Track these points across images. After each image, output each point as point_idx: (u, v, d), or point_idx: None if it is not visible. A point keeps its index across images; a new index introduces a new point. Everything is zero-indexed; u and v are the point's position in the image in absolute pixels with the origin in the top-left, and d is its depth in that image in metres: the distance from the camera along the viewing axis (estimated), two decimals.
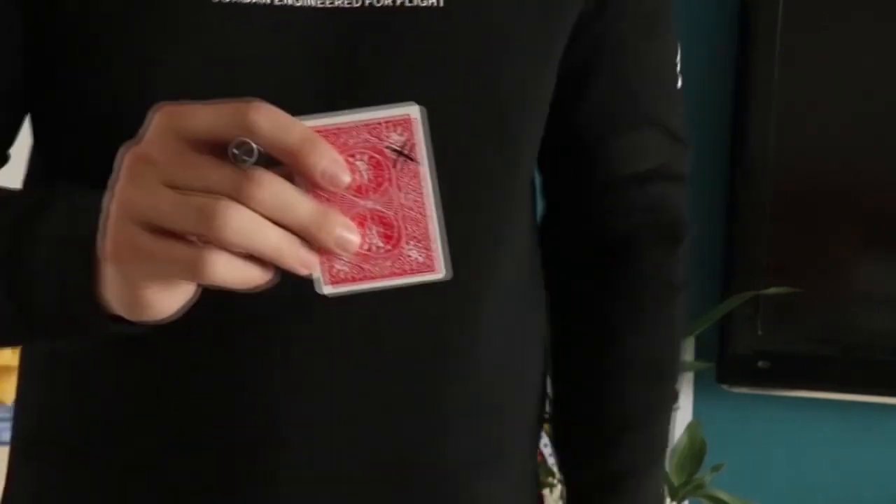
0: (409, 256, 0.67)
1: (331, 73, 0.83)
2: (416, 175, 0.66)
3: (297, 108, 0.81)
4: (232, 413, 0.86)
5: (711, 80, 2.05)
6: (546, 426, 1.11)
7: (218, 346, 0.85)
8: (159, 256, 0.64)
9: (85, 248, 0.71)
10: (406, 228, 0.67)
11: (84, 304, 0.73)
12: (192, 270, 0.64)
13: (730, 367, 2.04)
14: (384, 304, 0.83)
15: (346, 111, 0.65)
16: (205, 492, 0.88)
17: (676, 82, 1.04)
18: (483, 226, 0.91)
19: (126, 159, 0.65)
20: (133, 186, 0.64)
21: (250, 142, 0.63)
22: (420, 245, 0.67)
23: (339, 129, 0.65)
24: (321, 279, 0.67)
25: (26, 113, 0.88)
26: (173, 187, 0.63)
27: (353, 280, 0.67)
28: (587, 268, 1.05)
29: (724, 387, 2.06)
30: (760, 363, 2.02)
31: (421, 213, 0.67)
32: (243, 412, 0.86)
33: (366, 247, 0.66)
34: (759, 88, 1.97)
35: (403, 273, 0.68)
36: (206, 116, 0.63)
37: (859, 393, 2.06)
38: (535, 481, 1.03)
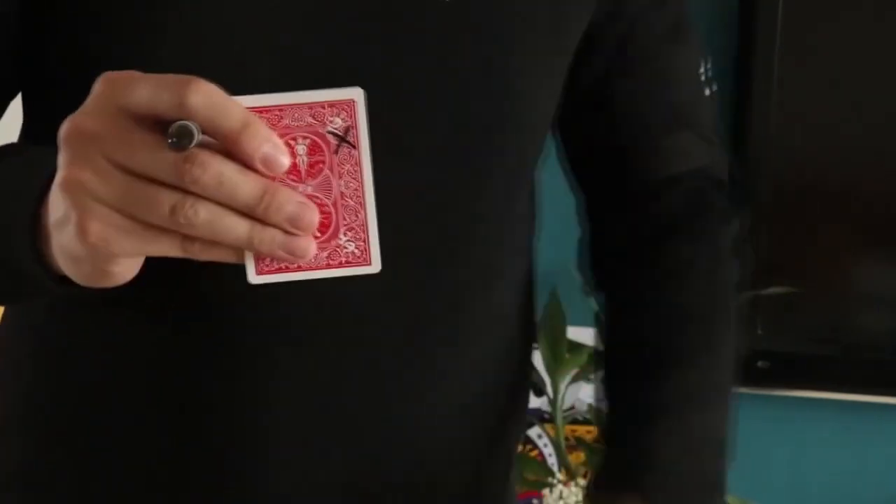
0: (345, 248, 0.66)
1: (338, 57, 0.83)
2: (357, 162, 0.65)
3: (300, 88, 0.80)
4: (223, 419, 0.86)
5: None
6: (548, 427, 1.11)
7: (212, 352, 0.85)
8: (148, 238, 0.64)
9: (31, 209, 0.70)
10: (344, 218, 0.66)
11: (31, 265, 0.72)
12: (181, 249, 0.64)
13: None
14: (374, 309, 0.83)
15: (289, 93, 0.64)
16: (190, 492, 0.87)
17: (706, 89, 1.03)
18: (483, 220, 0.90)
19: (65, 132, 0.64)
20: (81, 166, 0.64)
21: (191, 125, 0.61)
22: (357, 237, 0.66)
23: (280, 109, 0.64)
24: (250, 268, 0.65)
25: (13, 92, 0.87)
26: (116, 165, 0.62)
27: (284, 270, 0.66)
28: (632, 249, 1.03)
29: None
30: (760, 363, 2.02)
31: (359, 203, 0.65)
32: (236, 418, 0.86)
33: None
34: (759, 88, 1.97)
35: (338, 265, 0.66)
36: (145, 92, 0.62)
37: (859, 393, 2.05)
38: (513, 487, 1.03)
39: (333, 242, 0.66)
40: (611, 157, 1.02)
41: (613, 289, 1.04)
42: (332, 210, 0.65)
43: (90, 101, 0.64)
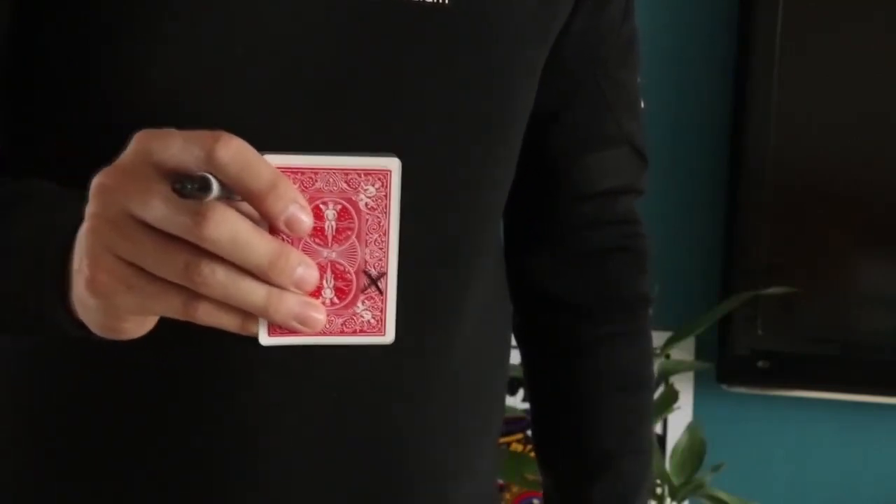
0: (361, 317, 0.65)
1: (331, 64, 0.83)
2: (385, 233, 0.64)
3: (297, 97, 0.80)
4: (207, 427, 0.86)
5: (711, 80, 2.05)
6: None
7: (212, 362, 0.85)
8: (151, 295, 0.63)
9: (59, 254, 0.70)
10: (364, 278, 0.65)
11: (56, 310, 0.71)
12: (183, 312, 0.63)
13: (730, 367, 2.04)
14: None
15: (325, 155, 0.63)
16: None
17: (641, 102, 1.06)
18: (467, 229, 0.91)
19: (95, 187, 0.64)
20: (101, 217, 0.63)
21: (208, 177, 0.60)
22: (374, 306, 0.65)
23: (315, 171, 0.63)
24: (262, 329, 0.64)
25: None
26: (134, 217, 0.62)
27: (297, 333, 0.64)
28: (559, 288, 1.06)
29: (724, 387, 2.06)
30: (760, 363, 2.02)
31: (382, 273, 0.65)
32: (219, 425, 0.86)
33: (319, 300, 0.64)
34: (759, 88, 1.97)
35: (352, 333, 0.66)
36: (175, 149, 0.61)
37: (859, 393, 2.05)
38: (497, 488, 1.06)
39: (350, 310, 0.65)
40: (545, 173, 1.03)
41: (534, 331, 1.09)
42: (354, 278, 0.65)
43: (123, 156, 0.64)
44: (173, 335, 0.81)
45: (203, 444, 0.86)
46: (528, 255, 1.06)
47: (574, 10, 0.94)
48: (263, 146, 0.63)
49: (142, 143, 0.63)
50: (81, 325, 0.70)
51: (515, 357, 1.07)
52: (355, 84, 0.83)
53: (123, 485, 0.87)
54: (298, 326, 0.63)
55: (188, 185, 0.60)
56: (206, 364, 0.85)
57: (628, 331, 1.07)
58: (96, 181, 0.64)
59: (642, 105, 1.06)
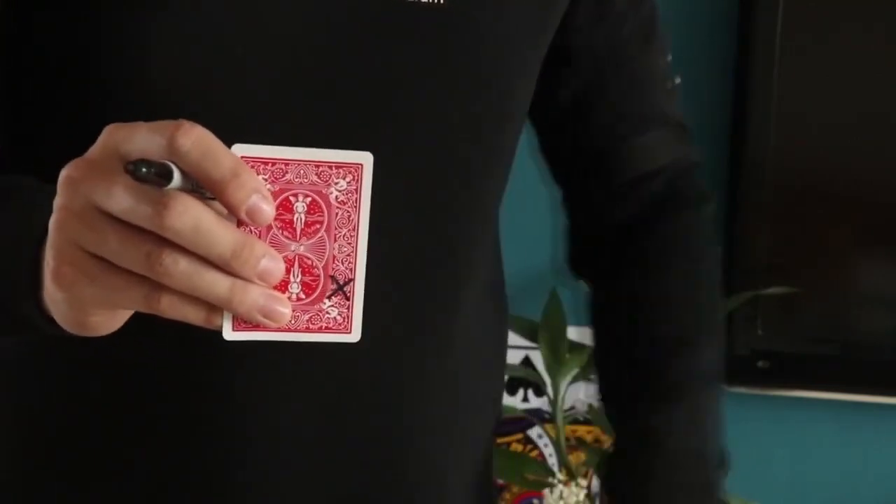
0: (328, 314, 0.65)
1: (331, 64, 0.83)
2: (354, 228, 0.63)
3: (296, 97, 0.80)
4: (205, 428, 0.86)
5: (711, 80, 2.05)
6: (549, 427, 1.13)
7: (208, 362, 0.85)
8: (113, 287, 0.62)
9: (32, 249, 0.69)
10: (331, 283, 0.64)
11: (26, 305, 0.71)
12: (145, 304, 0.62)
13: (730, 367, 2.03)
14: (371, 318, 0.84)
15: (297, 148, 0.62)
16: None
17: (674, 78, 1.06)
18: (464, 228, 0.91)
19: (62, 179, 0.64)
20: (66, 209, 0.63)
21: (168, 163, 0.59)
22: (341, 303, 0.65)
23: (286, 163, 0.62)
24: (227, 323, 0.63)
25: None
26: (98, 208, 0.62)
27: (262, 329, 0.63)
28: (618, 239, 1.06)
29: (724, 387, 2.06)
30: (760, 363, 2.02)
31: (350, 269, 0.64)
32: (217, 425, 0.86)
33: (286, 295, 0.63)
34: (759, 88, 1.97)
35: (318, 330, 0.65)
36: (140, 140, 0.61)
37: (859, 393, 2.05)
38: (491, 489, 1.05)
39: (316, 306, 0.64)
40: (588, 159, 1.04)
41: (597, 279, 1.07)
42: (321, 273, 0.64)
43: (92, 148, 0.63)
44: (171, 335, 0.81)
45: (201, 444, 0.86)
46: (586, 230, 1.07)
47: (572, 6, 0.94)
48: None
49: (110, 135, 0.63)
50: (53, 322, 0.70)
51: (515, 357, 1.07)
52: (354, 84, 0.83)
53: (122, 485, 0.87)
54: (263, 320, 0.62)
55: (142, 168, 0.59)
56: (203, 364, 0.85)
57: (695, 224, 1.07)
58: (64, 173, 0.64)
59: (677, 80, 1.06)
